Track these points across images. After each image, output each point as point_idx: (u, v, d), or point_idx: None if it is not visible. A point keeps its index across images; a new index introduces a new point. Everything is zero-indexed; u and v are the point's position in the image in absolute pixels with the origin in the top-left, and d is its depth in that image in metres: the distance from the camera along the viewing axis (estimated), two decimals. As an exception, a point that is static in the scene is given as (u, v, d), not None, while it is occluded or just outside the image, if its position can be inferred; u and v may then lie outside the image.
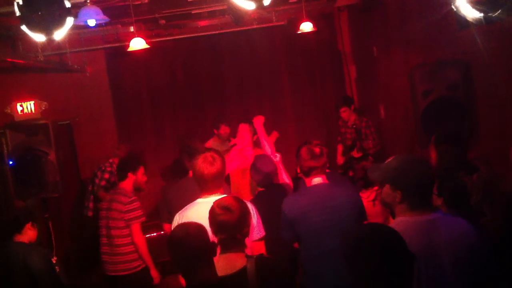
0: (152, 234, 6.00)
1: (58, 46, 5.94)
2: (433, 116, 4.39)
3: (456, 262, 2.16)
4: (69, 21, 3.09)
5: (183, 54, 7.87)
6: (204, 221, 2.52)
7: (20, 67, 6.27)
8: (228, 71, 8.05)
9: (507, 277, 2.30)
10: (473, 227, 2.28)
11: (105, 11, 4.36)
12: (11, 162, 4.86)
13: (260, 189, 4.24)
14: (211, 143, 6.33)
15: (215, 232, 2.55)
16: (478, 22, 2.38)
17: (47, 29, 3.05)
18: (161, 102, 7.96)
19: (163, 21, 6.06)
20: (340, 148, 6.89)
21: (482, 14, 2.34)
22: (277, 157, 4.57)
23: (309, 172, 3.33)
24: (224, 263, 2.49)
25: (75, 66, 6.77)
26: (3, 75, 6.24)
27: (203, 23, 6.57)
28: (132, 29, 5.77)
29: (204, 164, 3.04)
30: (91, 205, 6.34)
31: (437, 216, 2.27)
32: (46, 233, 5.03)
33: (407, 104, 5.09)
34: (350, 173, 6.07)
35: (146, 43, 4.87)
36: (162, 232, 5.85)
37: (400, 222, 2.25)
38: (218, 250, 2.52)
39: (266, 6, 3.26)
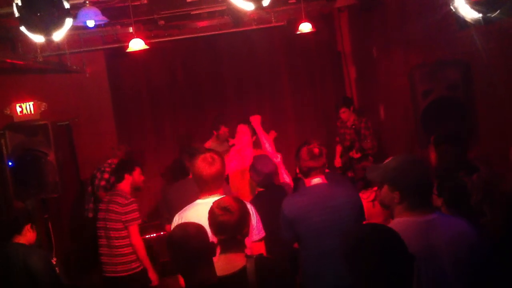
0: (151, 235, 6.00)
1: (58, 47, 5.96)
2: (433, 116, 4.39)
3: (456, 262, 2.16)
4: (68, 22, 3.09)
5: (183, 54, 7.87)
6: (204, 222, 2.51)
7: (20, 68, 6.27)
8: (227, 72, 8.05)
9: (507, 277, 2.30)
10: (473, 227, 2.28)
11: (104, 12, 4.36)
12: (10, 163, 4.86)
13: (260, 189, 4.24)
14: (209, 143, 6.34)
15: (215, 232, 2.55)
16: (477, 22, 2.38)
17: (46, 30, 3.05)
18: (161, 103, 7.96)
19: (162, 22, 6.06)
20: (338, 149, 6.89)
21: (481, 15, 2.34)
22: (278, 158, 4.58)
23: (309, 172, 3.33)
24: (224, 263, 2.49)
25: (74, 67, 6.77)
26: (2, 76, 6.24)
27: (202, 23, 6.56)
28: (131, 29, 5.77)
29: (203, 165, 3.03)
30: (91, 206, 6.34)
31: (436, 216, 2.27)
32: (46, 234, 5.04)
33: (407, 104, 5.09)
34: (349, 174, 6.07)
35: (146, 43, 4.86)
36: (162, 233, 5.86)
37: (399, 223, 2.24)
38: (218, 251, 2.52)
39: (265, 6, 3.26)
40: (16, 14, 3.05)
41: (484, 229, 3.12)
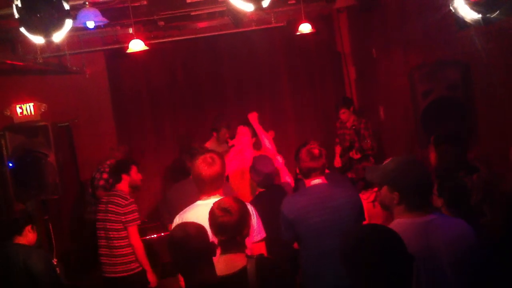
0: (152, 236, 5.99)
1: (57, 48, 5.96)
2: (433, 116, 4.39)
3: (456, 263, 2.16)
4: (68, 23, 3.09)
5: (183, 55, 7.87)
6: (204, 224, 2.51)
7: (20, 69, 6.28)
8: (227, 72, 8.05)
9: (507, 277, 2.30)
10: (472, 227, 2.28)
11: (104, 13, 4.35)
12: (10, 164, 4.87)
13: (261, 189, 4.24)
14: (209, 144, 6.32)
15: (215, 233, 2.55)
16: (476, 23, 2.38)
17: (46, 31, 3.05)
18: (161, 103, 7.96)
19: (162, 23, 6.06)
20: (338, 149, 6.89)
21: (480, 15, 2.34)
22: (280, 160, 4.58)
23: (309, 173, 3.33)
24: (224, 264, 2.49)
25: (74, 68, 6.77)
26: (2, 77, 6.24)
27: (202, 24, 6.56)
28: (131, 30, 5.77)
29: (203, 166, 3.02)
30: (93, 208, 6.33)
31: (435, 217, 2.27)
32: (46, 235, 5.04)
33: (407, 104, 5.09)
34: (349, 175, 6.07)
35: (145, 44, 4.87)
36: (162, 234, 5.85)
37: (398, 224, 2.24)
38: (218, 251, 2.52)
39: (265, 7, 3.26)
40: (16, 15, 3.05)
41: (484, 229, 3.12)
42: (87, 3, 4.18)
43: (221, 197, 2.85)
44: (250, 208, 2.94)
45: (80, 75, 7.00)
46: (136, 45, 4.81)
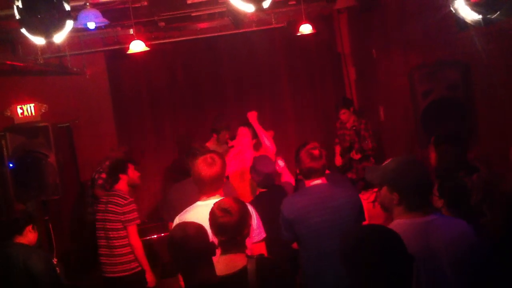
0: (153, 236, 5.99)
1: (58, 49, 5.97)
2: (433, 116, 4.39)
3: (456, 263, 2.16)
4: (69, 24, 3.09)
5: (183, 56, 7.88)
6: (204, 224, 2.52)
7: (20, 70, 6.28)
8: (227, 73, 8.06)
9: (507, 277, 2.30)
10: (472, 227, 2.28)
11: (104, 13, 4.36)
12: (11, 165, 4.87)
13: (261, 189, 4.24)
14: (209, 144, 6.32)
15: (215, 234, 2.55)
16: (476, 23, 2.39)
17: (47, 32, 3.05)
18: (161, 103, 7.97)
19: (162, 24, 6.07)
20: (338, 149, 6.89)
21: (480, 16, 2.34)
22: (282, 164, 4.59)
23: (309, 174, 3.33)
24: (225, 264, 2.49)
25: (75, 69, 6.77)
26: (3, 78, 6.24)
27: (202, 25, 6.57)
28: (131, 31, 5.77)
29: (203, 166, 3.02)
30: (93, 209, 6.33)
31: (435, 217, 2.27)
32: (46, 235, 5.04)
33: (407, 104, 5.09)
34: (349, 175, 6.07)
35: (146, 45, 4.88)
36: (163, 234, 5.85)
37: (398, 224, 2.24)
38: (218, 251, 2.52)
39: (266, 8, 3.26)
40: (17, 16, 3.05)
41: (484, 229, 3.12)
42: (87, 4, 4.19)
43: (221, 198, 2.86)
44: (250, 208, 2.94)
45: (80, 76, 7.00)
46: (137, 46, 4.82)
